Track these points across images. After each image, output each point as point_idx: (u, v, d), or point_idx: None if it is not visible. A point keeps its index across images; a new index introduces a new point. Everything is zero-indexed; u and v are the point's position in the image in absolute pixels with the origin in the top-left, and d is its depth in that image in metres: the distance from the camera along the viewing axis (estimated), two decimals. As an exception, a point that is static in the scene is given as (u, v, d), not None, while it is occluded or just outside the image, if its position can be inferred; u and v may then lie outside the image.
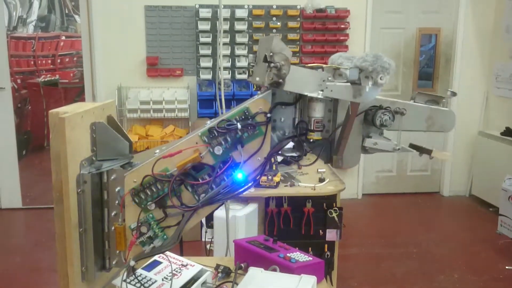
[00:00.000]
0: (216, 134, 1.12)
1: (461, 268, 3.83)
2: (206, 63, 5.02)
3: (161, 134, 4.82)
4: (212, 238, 2.75)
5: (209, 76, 5.05)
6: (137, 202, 1.14)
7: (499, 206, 4.59)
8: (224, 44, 5.01)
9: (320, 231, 2.77)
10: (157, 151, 1.17)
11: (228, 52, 5.02)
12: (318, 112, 1.14)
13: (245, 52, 5.03)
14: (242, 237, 2.29)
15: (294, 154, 1.22)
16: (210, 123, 1.14)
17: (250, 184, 1.15)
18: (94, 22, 4.90)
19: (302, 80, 1.09)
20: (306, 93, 1.09)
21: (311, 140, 1.15)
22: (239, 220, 2.43)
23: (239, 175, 1.12)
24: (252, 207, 2.59)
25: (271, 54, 1.06)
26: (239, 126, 1.11)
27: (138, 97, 4.87)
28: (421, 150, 1.20)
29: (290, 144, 1.20)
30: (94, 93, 4.98)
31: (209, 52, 5.01)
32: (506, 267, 3.82)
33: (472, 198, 5.53)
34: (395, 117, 1.13)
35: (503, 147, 4.76)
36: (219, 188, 1.12)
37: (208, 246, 3.14)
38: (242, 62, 5.02)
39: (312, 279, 1.24)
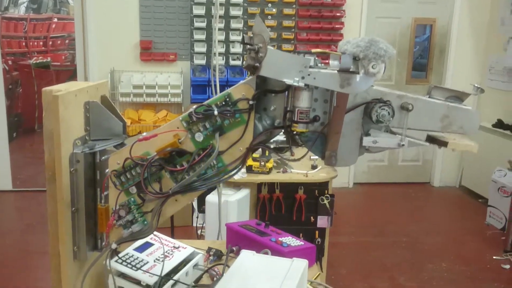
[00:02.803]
0: (195, 120, 1.05)
1: (450, 258, 3.87)
2: (200, 48, 4.99)
3: (153, 119, 4.80)
4: (203, 223, 2.76)
5: (203, 62, 5.01)
6: (117, 185, 1.11)
7: (488, 197, 4.64)
8: (219, 29, 4.97)
9: (312, 217, 2.78)
10: (144, 133, 1.13)
11: (222, 38, 4.98)
12: (302, 101, 1.02)
13: (239, 38, 4.99)
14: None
15: (279, 146, 1.14)
16: (193, 107, 1.08)
17: (229, 174, 1.09)
18: (87, 4, 4.83)
19: (280, 65, 0.98)
20: (284, 80, 0.99)
21: (294, 132, 1.04)
22: (231, 205, 2.43)
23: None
24: (244, 193, 2.59)
25: (251, 35, 1.00)
26: (216, 112, 1.03)
27: (131, 81, 4.83)
28: (437, 142, 1.05)
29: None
30: (87, 76, 4.93)
31: (203, 37, 4.97)
32: (494, 257, 3.87)
33: (462, 189, 5.58)
34: (401, 113, 1.01)
35: (494, 139, 4.79)
36: (191, 176, 1.05)
37: (199, 231, 3.15)
38: (237, 48, 4.99)
39: (304, 262, 1.24)
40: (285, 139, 1.11)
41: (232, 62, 5.02)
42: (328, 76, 0.97)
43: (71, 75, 7.72)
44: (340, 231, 4.16)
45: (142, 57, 4.97)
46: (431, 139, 1.07)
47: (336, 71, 0.96)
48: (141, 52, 4.97)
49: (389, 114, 1.00)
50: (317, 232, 2.81)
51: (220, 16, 4.93)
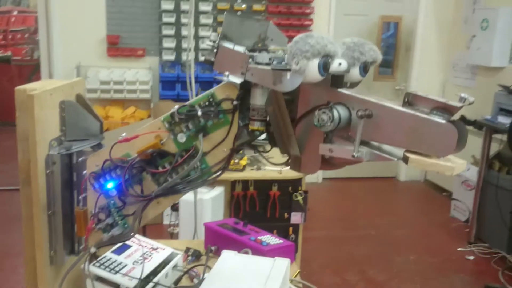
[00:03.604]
0: (177, 120, 1.03)
1: (417, 250, 3.98)
2: (169, 43, 4.92)
3: (121, 116, 4.71)
4: (176, 221, 2.73)
5: (172, 57, 4.95)
6: (97, 187, 1.08)
7: (452, 191, 4.79)
8: (188, 24, 4.92)
9: (285, 214, 2.79)
10: (124, 134, 1.09)
11: (192, 33, 4.92)
12: (254, 98, 0.99)
13: (209, 33, 4.95)
14: (208, 220, 2.28)
15: (262, 150, 1.11)
16: (175, 108, 1.05)
17: (213, 176, 1.07)
18: (51, -4, 4.68)
19: (228, 61, 0.97)
20: (230, 76, 0.98)
21: (250, 130, 1.01)
22: (205, 203, 2.42)
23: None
24: (219, 190, 2.58)
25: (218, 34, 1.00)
26: (199, 112, 1.01)
27: (98, 76, 4.72)
28: (403, 159, 0.86)
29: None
30: (51, 72, 4.78)
31: (172, 32, 4.91)
32: (458, 249, 4.00)
33: (427, 183, 5.73)
34: (359, 120, 0.86)
35: (458, 134, 4.93)
36: (174, 178, 1.03)
37: (170, 229, 3.11)
38: (206, 44, 4.94)
39: (286, 261, 1.24)
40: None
41: (201, 58, 4.97)
42: (262, 72, 0.94)
43: (33, 70, 7.48)
44: (310, 226, 4.19)
45: (109, 52, 4.86)
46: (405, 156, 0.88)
47: (269, 68, 0.92)
48: (108, 47, 4.86)
49: (329, 118, 0.88)
50: (291, 228, 2.82)
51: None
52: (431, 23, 5.48)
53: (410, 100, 0.86)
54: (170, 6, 4.83)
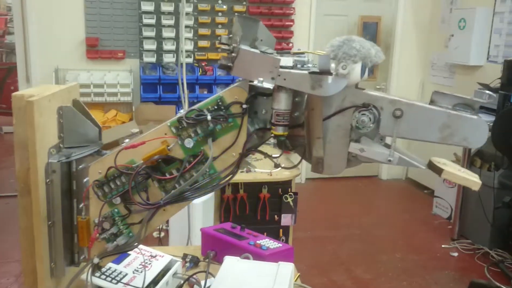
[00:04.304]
0: (185, 125, 1.00)
1: (402, 248, 4.02)
2: (149, 45, 4.86)
3: (102, 119, 4.63)
4: (163, 226, 2.69)
5: (153, 59, 4.89)
6: (100, 196, 1.05)
7: (434, 189, 4.86)
8: (169, 26, 4.87)
9: (276, 216, 2.79)
10: (127, 140, 1.07)
11: (172, 34, 4.88)
12: (279, 103, 0.97)
13: (190, 35, 4.91)
14: (199, 225, 2.26)
15: (274, 155, 1.12)
16: (181, 112, 1.04)
17: (223, 182, 1.05)
18: (27, -1, 4.57)
19: (251, 65, 0.95)
20: (254, 80, 0.96)
21: (272, 135, 1.00)
22: (196, 207, 2.39)
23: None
24: (209, 194, 2.54)
25: (230, 36, 0.98)
26: (209, 117, 0.99)
27: (78, 80, 4.63)
28: (433, 168, 0.96)
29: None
30: (28, 75, 4.66)
31: (153, 34, 4.85)
32: (442, 246, 4.06)
33: (408, 181, 5.81)
34: (392, 120, 0.92)
35: (438, 133, 5.01)
36: (183, 185, 1.01)
37: (154, 234, 3.06)
38: (188, 46, 4.91)
39: (290, 266, 1.23)
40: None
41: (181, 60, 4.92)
42: (298, 77, 0.92)
43: (7, 73, 7.29)
44: (295, 227, 4.19)
45: (88, 55, 4.77)
46: (431, 166, 0.98)
47: (307, 72, 0.92)
48: (87, 49, 4.77)
49: (370, 120, 0.93)
50: (281, 230, 2.81)
51: (169, 13, 4.84)
52: (410, 23, 5.56)
53: (433, 98, 0.93)
54: (150, 7, 4.77)
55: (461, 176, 0.91)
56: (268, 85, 0.95)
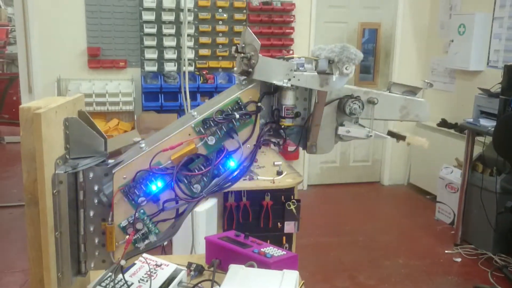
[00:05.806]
0: (212, 125, 1.13)
1: (405, 253, 4.02)
2: (151, 54, 4.88)
3: (104, 128, 4.64)
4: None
5: (154, 68, 4.91)
6: (130, 199, 1.12)
7: (436, 194, 4.86)
8: (170, 35, 4.90)
9: (279, 223, 2.79)
10: (143, 145, 1.14)
11: (173, 43, 4.90)
12: (288, 100, 1.17)
13: (191, 43, 4.94)
14: (202, 233, 2.27)
15: (277, 140, 1.26)
16: (197, 114, 1.15)
17: (246, 171, 1.19)
18: (29, 10, 4.59)
19: (270, 69, 1.12)
20: (274, 82, 1.13)
21: (282, 126, 1.18)
22: (199, 215, 2.39)
23: (231, 163, 1.16)
24: (212, 202, 2.56)
25: (243, 45, 1.13)
26: (237, 116, 1.13)
27: (80, 89, 4.65)
28: (396, 136, 1.26)
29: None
30: (31, 85, 4.69)
31: (154, 43, 4.87)
32: (446, 251, 4.05)
33: (410, 187, 5.81)
34: (368, 106, 1.19)
35: (439, 137, 5.02)
36: (222, 177, 1.15)
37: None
38: (189, 54, 4.93)
39: (295, 274, 1.24)
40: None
41: (183, 68, 4.94)
42: (310, 77, 1.14)
43: (9, 84, 7.32)
44: (298, 233, 4.20)
45: (90, 65, 4.80)
46: (391, 134, 1.27)
47: (316, 73, 1.13)
48: (89, 59, 4.79)
49: (359, 107, 1.18)
50: (284, 237, 2.82)
51: (169, 22, 4.87)
52: (409, 29, 5.59)
53: (390, 87, 1.25)
54: (151, 17, 4.80)
55: (418, 139, 1.25)
56: (285, 84, 1.13)
